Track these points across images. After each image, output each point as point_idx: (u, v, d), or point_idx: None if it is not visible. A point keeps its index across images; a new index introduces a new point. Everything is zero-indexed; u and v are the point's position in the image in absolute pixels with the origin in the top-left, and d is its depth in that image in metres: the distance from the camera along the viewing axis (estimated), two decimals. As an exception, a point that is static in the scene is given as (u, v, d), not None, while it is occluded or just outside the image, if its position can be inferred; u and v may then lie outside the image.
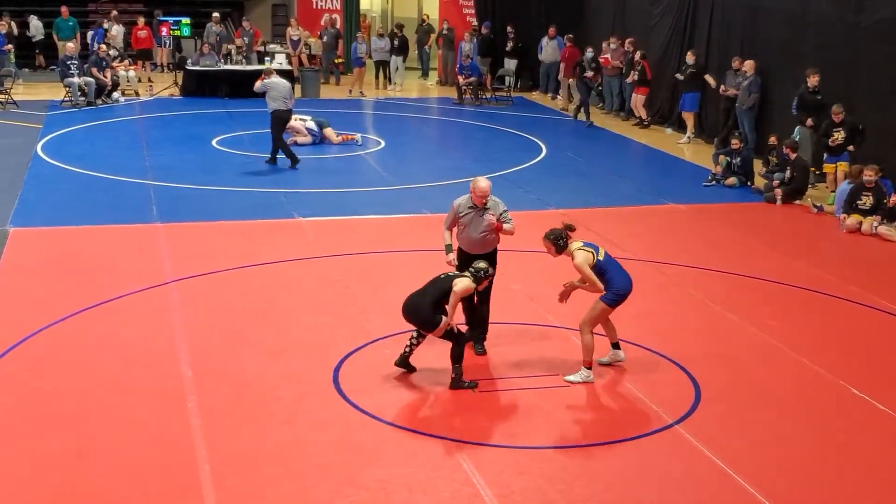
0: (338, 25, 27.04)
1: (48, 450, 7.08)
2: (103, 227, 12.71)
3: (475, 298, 8.95)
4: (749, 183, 15.72)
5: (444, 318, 8.15)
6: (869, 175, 13.29)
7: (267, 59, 24.83)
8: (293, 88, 17.08)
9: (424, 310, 8.21)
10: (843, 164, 14.62)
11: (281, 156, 16.19)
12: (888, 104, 14.31)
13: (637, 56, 20.50)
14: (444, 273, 8.53)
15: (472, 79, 23.69)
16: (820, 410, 8.07)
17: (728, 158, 15.94)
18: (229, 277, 10.88)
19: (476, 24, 25.74)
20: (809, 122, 15.29)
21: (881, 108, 14.34)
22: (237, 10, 28.52)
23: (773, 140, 15.52)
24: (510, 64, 25.19)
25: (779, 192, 14.66)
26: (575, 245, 8.46)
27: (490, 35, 25.06)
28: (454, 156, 18.27)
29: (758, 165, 15.97)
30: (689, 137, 19.43)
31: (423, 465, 7.00)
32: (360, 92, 24.45)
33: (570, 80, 22.73)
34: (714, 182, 15.94)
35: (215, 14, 25.74)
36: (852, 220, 13.29)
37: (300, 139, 18.06)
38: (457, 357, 8.26)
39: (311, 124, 18.37)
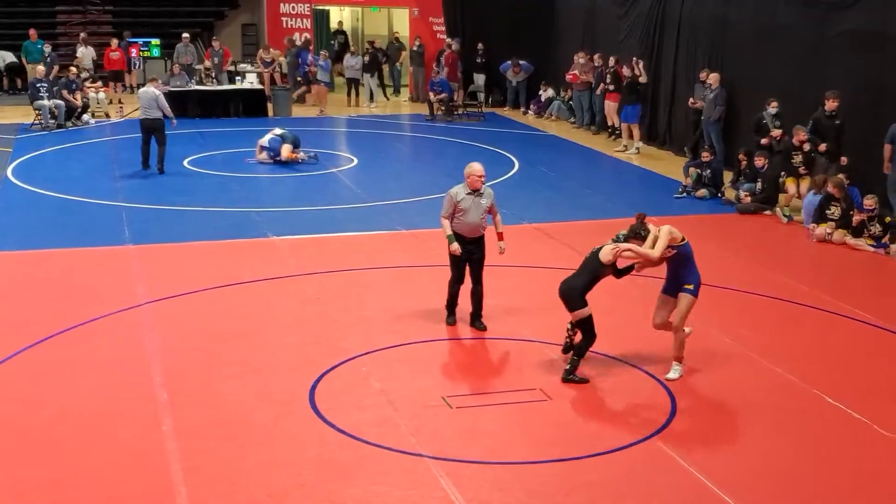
0: (309, 45, 27.11)
1: (24, 478, 7.00)
2: (75, 250, 12.62)
3: (471, 278, 9.79)
4: (719, 194, 15.84)
5: (588, 307, 8.57)
6: (834, 191, 13.43)
7: (238, 78, 24.85)
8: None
9: (574, 291, 8.63)
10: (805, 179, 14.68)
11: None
12: (853, 114, 14.45)
13: (611, 62, 20.65)
14: (592, 251, 8.85)
15: (443, 95, 23.77)
16: (795, 419, 8.11)
17: (698, 170, 16.07)
18: (203, 298, 10.83)
19: (447, 40, 25.86)
20: (823, 147, 14.52)
21: (847, 118, 14.47)
22: (207, 31, 28.50)
23: (741, 155, 15.62)
24: (480, 79, 25.35)
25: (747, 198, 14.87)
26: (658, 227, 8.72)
27: (460, 51, 25.18)
28: (427, 171, 18.31)
29: (728, 177, 16.09)
30: (637, 148, 19.60)
31: (401, 482, 6.98)
32: (321, 110, 24.46)
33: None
34: (685, 194, 16.06)
35: (185, 34, 25.71)
36: (821, 229, 13.42)
37: (260, 157, 18.14)
38: (580, 350, 8.65)
39: (274, 136, 18.27)
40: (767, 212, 14.85)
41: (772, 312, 10.72)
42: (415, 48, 26.63)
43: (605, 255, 8.69)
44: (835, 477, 7.17)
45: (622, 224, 14.20)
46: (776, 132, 15.26)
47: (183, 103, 22.74)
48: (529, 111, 24.80)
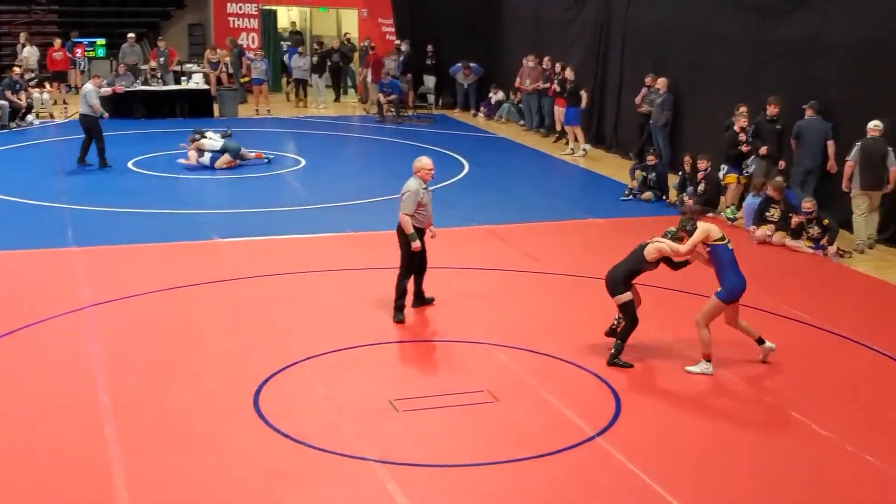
0: (255, 44, 26.99)
1: (-39, 484, 6.89)
2: (17, 252, 12.43)
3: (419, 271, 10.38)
4: (664, 197, 16.02)
5: (628, 292, 9.05)
6: (774, 193, 13.65)
7: (183, 78, 24.63)
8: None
9: (616, 277, 9.14)
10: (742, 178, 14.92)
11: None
12: (792, 118, 14.66)
13: (558, 68, 20.76)
14: (641, 244, 9.26)
15: (392, 96, 23.75)
16: (734, 418, 8.23)
17: (644, 173, 16.23)
18: (147, 301, 10.72)
19: (397, 41, 25.85)
20: (764, 150, 14.66)
21: (786, 123, 14.68)
22: (153, 30, 28.20)
23: (686, 158, 15.76)
24: (430, 81, 25.37)
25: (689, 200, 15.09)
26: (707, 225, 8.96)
27: (410, 52, 25.18)
28: (376, 174, 18.27)
29: (672, 180, 16.27)
30: (584, 150, 19.74)
31: (347, 487, 6.97)
32: (267, 110, 24.36)
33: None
34: (631, 197, 16.21)
35: (130, 35, 25.43)
36: (762, 231, 13.63)
37: (192, 160, 17.88)
38: (623, 335, 9.10)
39: (215, 143, 18.10)
40: (711, 214, 15.03)
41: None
42: (366, 48, 26.54)
43: (650, 254, 9.14)
44: (774, 473, 7.28)
45: (570, 226, 14.41)
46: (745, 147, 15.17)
47: (128, 104, 22.48)
48: (479, 113, 24.86)
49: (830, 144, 14.18)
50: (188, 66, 25.62)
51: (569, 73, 19.82)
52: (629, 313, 9.17)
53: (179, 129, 16.18)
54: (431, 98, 25.18)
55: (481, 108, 24.88)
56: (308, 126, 23.21)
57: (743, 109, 15.05)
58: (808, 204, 13.33)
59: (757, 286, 11.56)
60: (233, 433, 7.73)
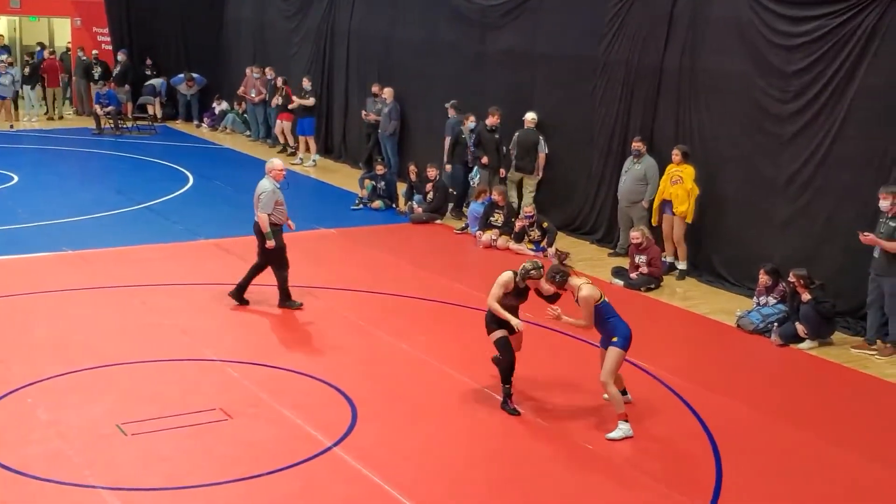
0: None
1: None
2: None
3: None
4: (394, 205, 16.35)
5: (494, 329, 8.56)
6: (498, 199, 14.28)
7: None
8: None
9: (487, 317, 8.69)
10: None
11: None
12: (512, 127, 15.37)
13: (279, 82, 20.71)
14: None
15: (110, 108, 22.83)
16: (469, 419, 8.51)
17: (373, 182, 16.50)
18: None
19: (113, 51, 24.88)
20: (485, 159, 15.20)
21: (511, 130, 15.37)
22: None
23: (412, 167, 16.16)
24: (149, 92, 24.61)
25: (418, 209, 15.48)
26: (579, 280, 8.38)
27: (128, 63, 24.30)
28: (95, 188, 17.48)
29: (401, 188, 16.63)
30: (314, 161, 19.89)
31: (74, 518, 6.66)
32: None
33: None
34: (361, 205, 16.43)
35: None
36: (487, 236, 14.23)
37: None
38: (503, 377, 8.54)
39: None
40: (438, 220, 15.51)
41: (444, 317, 11.20)
42: (81, 59, 25.34)
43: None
44: (512, 472, 7.59)
45: (301, 237, 14.37)
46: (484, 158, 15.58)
47: None
48: (203, 124, 24.37)
49: (542, 156, 15.05)
50: None
51: (305, 83, 19.82)
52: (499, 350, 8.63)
53: None
54: (152, 109, 24.40)
55: (205, 119, 24.40)
56: (20, 140, 21.88)
57: (495, 116, 15.28)
58: (528, 209, 14.06)
59: (483, 289, 11.96)
60: (-57, 471, 7.18)
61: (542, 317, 8.76)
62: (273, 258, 11.03)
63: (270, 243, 10.84)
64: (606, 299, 8.37)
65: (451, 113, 16.21)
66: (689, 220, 12.70)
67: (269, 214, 10.86)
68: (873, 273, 10.40)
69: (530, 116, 15.06)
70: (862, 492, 7.52)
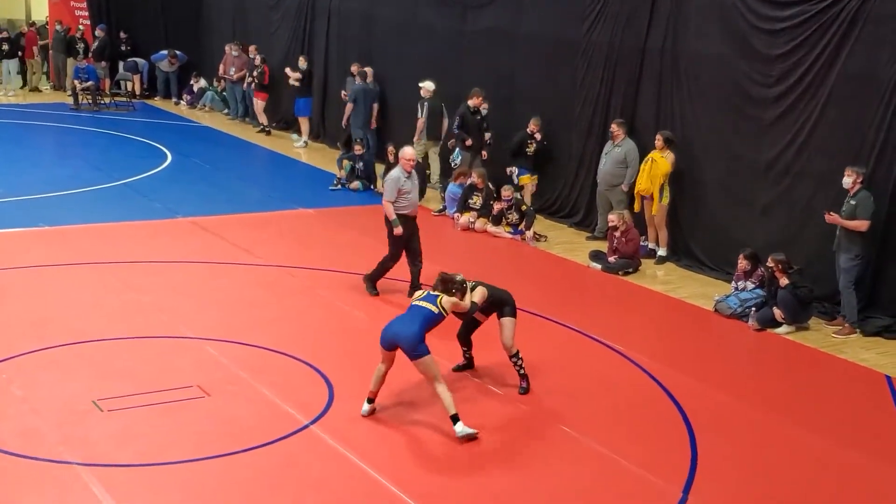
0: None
1: None
2: None
3: None
4: (372, 186, 16.29)
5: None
6: (477, 181, 14.24)
7: None
8: None
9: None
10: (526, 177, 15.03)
11: None
12: (491, 108, 15.33)
13: (258, 61, 20.56)
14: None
15: (89, 83, 22.61)
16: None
17: (352, 163, 16.43)
18: None
19: (91, 25, 24.63)
20: (469, 142, 15.07)
21: (491, 110, 15.32)
22: None
23: (391, 148, 15.99)
24: (129, 68, 24.40)
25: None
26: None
27: (106, 38, 24.06)
28: (71, 164, 17.33)
29: (379, 169, 16.56)
30: (305, 142, 19.82)
31: (48, 493, 6.61)
32: None
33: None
34: (339, 186, 16.36)
35: None
36: (465, 218, 14.20)
37: None
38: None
39: None
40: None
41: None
42: (58, 31, 25.08)
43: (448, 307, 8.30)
44: (486, 450, 7.60)
45: (278, 217, 14.32)
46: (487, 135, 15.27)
47: None
48: (182, 102, 24.18)
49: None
50: None
51: (301, 62, 19.73)
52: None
53: None
54: (128, 85, 24.18)
55: (184, 97, 24.21)
56: (-5, 114, 21.68)
57: (479, 98, 15.08)
58: (507, 192, 14.02)
59: (461, 270, 12.01)
60: (-85, 446, 7.11)
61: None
62: (401, 244, 10.83)
63: (398, 230, 10.65)
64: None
65: (424, 93, 15.88)
66: (656, 204, 12.63)
67: (392, 202, 10.60)
68: (835, 251, 10.55)
69: (429, 86, 15.77)
70: (834, 475, 7.58)
